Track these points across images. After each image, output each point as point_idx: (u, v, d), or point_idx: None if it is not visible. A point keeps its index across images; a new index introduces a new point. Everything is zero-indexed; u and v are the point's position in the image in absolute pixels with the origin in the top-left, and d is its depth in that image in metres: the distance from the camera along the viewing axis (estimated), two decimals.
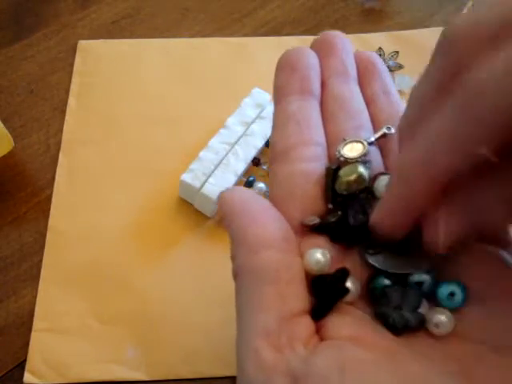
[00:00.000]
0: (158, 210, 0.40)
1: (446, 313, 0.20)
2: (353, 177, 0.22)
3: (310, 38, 0.50)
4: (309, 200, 0.23)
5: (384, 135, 0.24)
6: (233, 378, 0.34)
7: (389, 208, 0.20)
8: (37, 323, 0.36)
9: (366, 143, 0.24)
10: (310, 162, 0.23)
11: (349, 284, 0.21)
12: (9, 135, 0.40)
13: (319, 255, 0.21)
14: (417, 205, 0.19)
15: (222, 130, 0.41)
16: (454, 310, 0.21)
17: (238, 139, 0.41)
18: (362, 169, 0.23)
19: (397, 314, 0.20)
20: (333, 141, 0.24)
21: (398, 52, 0.49)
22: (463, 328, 0.20)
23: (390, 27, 0.51)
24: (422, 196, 0.19)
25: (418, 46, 0.50)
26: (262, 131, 0.41)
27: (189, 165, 0.39)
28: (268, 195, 0.24)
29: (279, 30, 0.51)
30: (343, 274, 0.20)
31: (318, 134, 0.24)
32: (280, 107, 0.25)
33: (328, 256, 0.21)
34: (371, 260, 0.22)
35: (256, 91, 0.43)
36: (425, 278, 0.21)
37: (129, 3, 0.52)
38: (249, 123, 0.41)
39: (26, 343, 0.35)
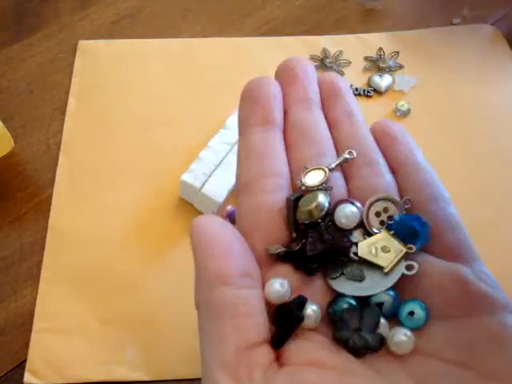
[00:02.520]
0: (158, 210, 0.40)
1: (405, 332, 0.21)
2: (312, 206, 0.23)
3: (310, 38, 0.51)
4: (273, 230, 0.23)
5: (346, 160, 0.25)
6: None
7: None
8: (37, 323, 0.36)
9: (327, 170, 0.24)
10: (273, 193, 0.24)
11: (309, 311, 0.21)
12: (9, 135, 0.40)
13: (278, 286, 0.21)
14: None
15: (222, 130, 0.41)
16: (416, 329, 0.21)
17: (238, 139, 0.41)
18: (321, 197, 0.23)
19: (356, 336, 0.21)
20: (296, 169, 0.25)
21: (398, 52, 0.49)
22: (426, 345, 0.21)
23: (390, 27, 0.51)
24: None
25: (418, 46, 0.50)
26: None
27: (189, 165, 0.39)
28: None
29: (279, 30, 0.51)
30: (300, 301, 0.21)
31: (280, 164, 0.25)
32: (243, 139, 0.26)
33: (286, 286, 0.21)
34: (333, 284, 0.22)
35: None
36: (385, 297, 0.22)
37: (129, 3, 0.52)
38: None
39: (26, 343, 0.35)
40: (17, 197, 0.41)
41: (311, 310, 0.21)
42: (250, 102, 0.26)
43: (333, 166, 0.24)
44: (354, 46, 0.50)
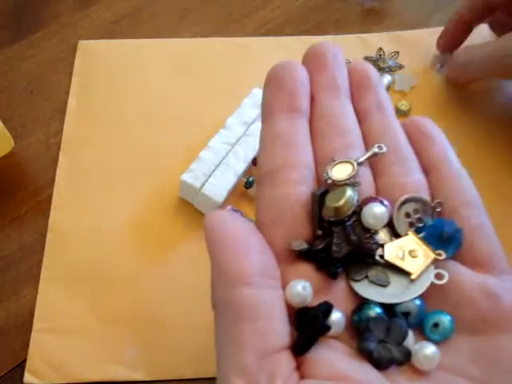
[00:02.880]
0: (158, 210, 0.40)
1: (431, 348, 0.20)
2: (340, 203, 0.22)
3: (310, 38, 0.51)
4: (295, 225, 0.22)
5: (375, 155, 0.24)
6: None
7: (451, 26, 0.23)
8: (37, 323, 0.36)
9: (355, 164, 0.23)
10: (297, 185, 0.22)
11: (333, 317, 0.20)
12: (9, 135, 0.40)
13: (300, 288, 0.20)
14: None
15: (222, 130, 0.41)
16: (440, 341, 0.20)
17: (238, 139, 0.41)
18: (349, 193, 0.22)
19: (381, 348, 0.20)
20: (322, 160, 0.24)
21: (398, 52, 0.49)
22: (450, 361, 0.20)
23: (390, 27, 0.51)
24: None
25: (418, 46, 0.50)
26: None
27: (189, 165, 0.39)
28: None
29: (279, 30, 0.51)
30: (326, 309, 0.20)
31: (305, 155, 0.23)
32: (267, 126, 0.24)
33: (309, 289, 0.20)
34: (357, 288, 0.21)
35: (256, 91, 0.43)
36: (411, 307, 0.21)
37: (129, 3, 0.52)
38: (249, 123, 0.41)
39: (26, 343, 0.35)
40: (17, 197, 0.41)
41: (335, 316, 0.20)
42: (275, 87, 0.24)
43: (361, 159, 0.23)
44: (354, 46, 0.50)
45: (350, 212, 0.22)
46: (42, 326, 0.36)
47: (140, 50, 0.49)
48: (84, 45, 0.49)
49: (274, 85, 0.24)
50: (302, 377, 0.19)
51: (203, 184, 0.38)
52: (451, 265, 0.21)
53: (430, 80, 0.48)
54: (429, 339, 0.20)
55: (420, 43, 0.50)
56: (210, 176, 0.39)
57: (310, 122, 0.25)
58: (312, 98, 0.25)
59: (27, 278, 0.37)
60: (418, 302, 0.21)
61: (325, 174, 0.23)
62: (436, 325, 0.20)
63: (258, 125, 0.41)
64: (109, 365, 0.34)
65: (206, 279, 0.38)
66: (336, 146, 0.24)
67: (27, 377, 0.34)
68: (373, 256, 0.21)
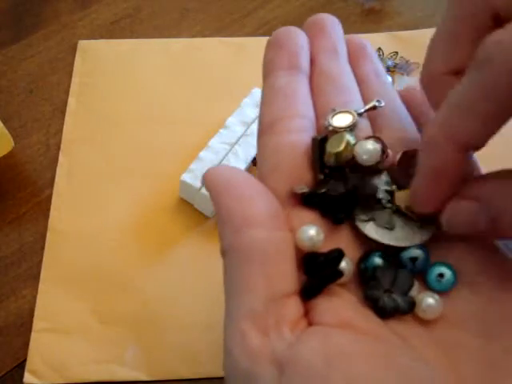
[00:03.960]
0: (158, 210, 0.40)
1: (434, 297, 0.20)
2: (341, 147, 0.22)
3: None
4: (296, 171, 0.22)
5: (374, 108, 0.24)
6: None
7: (423, 182, 0.20)
8: (37, 323, 0.36)
9: (355, 114, 0.23)
10: (297, 133, 0.23)
11: (343, 265, 0.20)
12: (9, 135, 0.40)
13: (313, 232, 0.20)
14: (448, 174, 0.19)
15: (221, 130, 0.41)
16: (442, 293, 0.20)
17: (238, 139, 0.41)
18: (348, 137, 0.22)
19: (387, 297, 0.20)
20: (322, 114, 0.24)
21: (397, 52, 0.49)
22: (453, 313, 0.20)
23: (390, 27, 0.51)
24: (451, 163, 0.19)
25: (417, 46, 0.50)
26: None
27: (189, 165, 0.39)
28: None
29: None
30: (338, 255, 0.20)
31: (306, 107, 0.24)
32: (268, 82, 0.25)
33: (322, 233, 0.20)
34: (364, 229, 0.21)
35: (256, 91, 0.43)
36: (418, 253, 0.21)
37: (129, 3, 0.52)
38: (249, 123, 0.41)
39: (26, 343, 0.35)
40: (16, 197, 0.41)
41: (344, 263, 0.20)
42: (276, 48, 0.25)
43: (361, 110, 0.24)
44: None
45: (350, 156, 0.22)
46: (42, 326, 0.36)
47: (140, 50, 0.49)
48: (84, 45, 0.49)
49: (275, 46, 0.25)
50: (310, 323, 0.19)
51: (203, 184, 0.38)
52: None
53: None
54: (432, 289, 0.21)
55: (420, 43, 0.50)
56: None
57: (310, 80, 0.25)
58: (312, 61, 0.26)
59: (27, 278, 0.37)
60: (423, 248, 0.21)
61: (325, 122, 0.23)
62: (441, 275, 0.20)
63: None
64: (109, 365, 0.34)
65: (206, 279, 0.38)
66: (336, 101, 0.24)
67: (27, 377, 0.34)
68: (374, 196, 0.22)
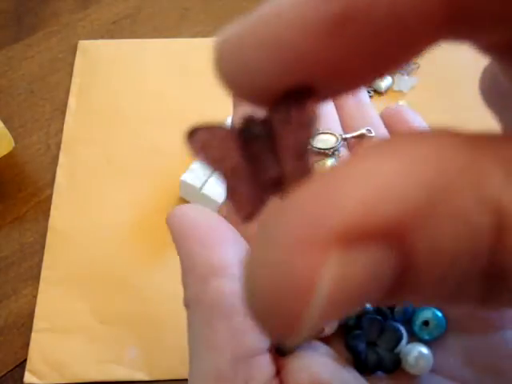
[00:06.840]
0: (159, 210, 0.40)
1: (423, 351, 0.18)
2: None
3: None
4: None
5: (362, 136, 0.23)
6: None
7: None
8: (37, 323, 0.36)
9: (339, 136, 0.22)
10: None
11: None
12: (9, 135, 0.40)
13: None
14: None
15: None
16: (431, 341, 0.19)
17: None
18: (331, 163, 0.21)
19: (370, 351, 0.18)
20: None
21: None
22: (443, 362, 0.19)
23: None
24: None
25: None
26: None
27: (189, 165, 0.39)
28: None
29: None
30: None
31: None
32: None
33: None
34: None
35: None
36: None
37: (129, 3, 0.52)
38: None
39: (26, 343, 0.35)
40: (17, 197, 0.41)
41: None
42: None
43: (347, 136, 0.23)
44: None
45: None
46: (41, 326, 0.36)
47: (140, 50, 0.49)
48: (84, 45, 0.49)
49: None
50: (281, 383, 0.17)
51: (203, 184, 0.38)
52: None
53: (429, 80, 0.48)
54: (418, 339, 0.19)
55: None
56: (210, 176, 0.39)
57: None
58: None
59: (27, 278, 0.38)
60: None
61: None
62: (426, 323, 0.19)
63: None
64: (109, 365, 0.35)
65: None
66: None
67: (27, 377, 0.34)
68: None
